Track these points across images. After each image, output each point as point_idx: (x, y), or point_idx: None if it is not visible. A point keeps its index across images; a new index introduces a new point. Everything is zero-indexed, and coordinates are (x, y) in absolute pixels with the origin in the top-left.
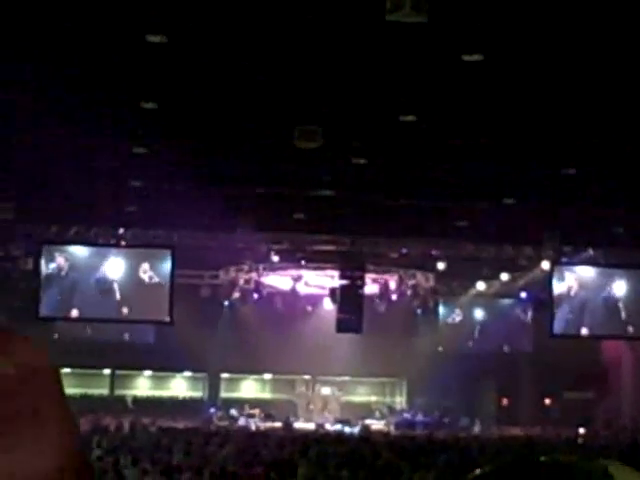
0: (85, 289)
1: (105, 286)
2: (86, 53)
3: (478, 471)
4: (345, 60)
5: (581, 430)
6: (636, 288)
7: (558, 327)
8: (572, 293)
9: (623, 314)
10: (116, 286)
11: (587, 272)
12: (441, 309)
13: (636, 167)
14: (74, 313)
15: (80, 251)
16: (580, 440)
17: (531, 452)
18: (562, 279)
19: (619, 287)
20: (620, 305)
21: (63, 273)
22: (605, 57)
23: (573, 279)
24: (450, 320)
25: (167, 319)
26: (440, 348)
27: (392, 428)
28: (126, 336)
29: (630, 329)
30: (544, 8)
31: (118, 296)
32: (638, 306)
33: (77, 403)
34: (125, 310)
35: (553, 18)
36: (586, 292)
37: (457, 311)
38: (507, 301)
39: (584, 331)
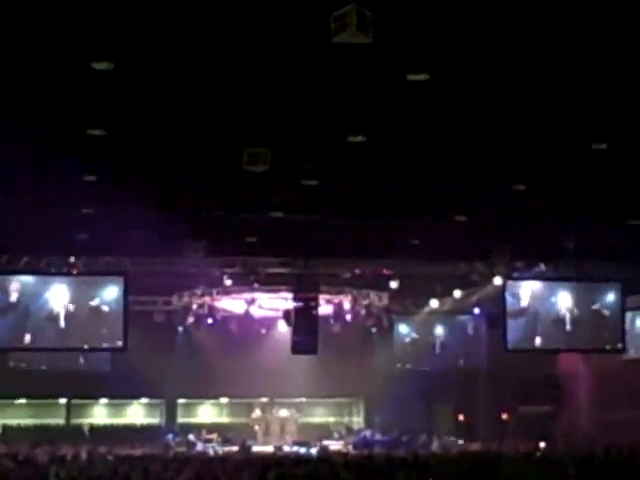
0: (36, 318)
1: (56, 315)
2: (30, 80)
3: None
4: (292, 82)
5: (541, 444)
6: (585, 301)
7: (512, 342)
8: (524, 307)
9: (573, 327)
10: (68, 315)
11: (538, 286)
12: (396, 328)
13: (584, 182)
14: (27, 340)
15: (32, 280)
16: (538, 453)
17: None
18: (514, 294)
19: (569, 300)
20: (570, 318)
21: (17, 302)
22: (550, 73)
23: (525, 294)
24: (405, 338)
25: (121, 346)
26: (397, 366)
27: (350, 448)
28: (82, 364)
29: (581, 342)
30: (489, 26)
31: (70, 324)
32: (588, 318)
33: (34, 433)
34: (78, 338)
35: (499, 36)
36: (538, 306)
37: (412, 329)
38: (461, 318)
39: (537, 345)
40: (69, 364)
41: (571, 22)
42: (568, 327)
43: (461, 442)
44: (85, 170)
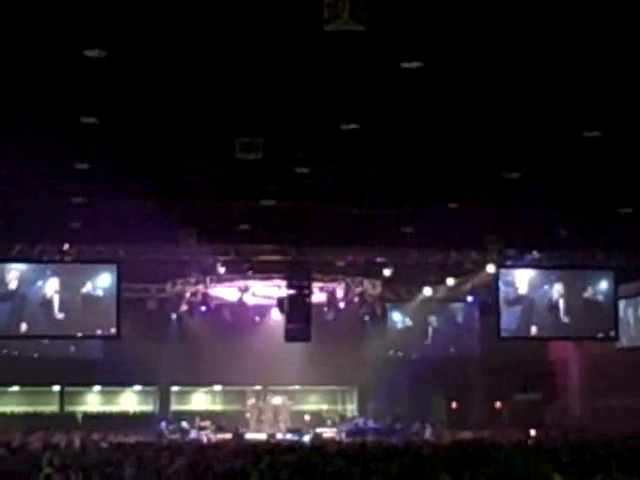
0: (31, 306)
1: (50, 303)
2: (23, 68)
3: None
4: (284, 70)
5: (531, 432)
6: (578, 289)
7: (505, 330)
8: (517, 295)
9: (566, 315)
10: (62, 302)
11: (531, 274)
12: (389, 316)
13: (577, 170)
14: (24, 330)
15: (25, 268)
16: (530, 442)
17: (483, 455)
18: (507, 282)
19: (562, 288)
20: (563, 306)
21: (11, 290)
22: (543, 61)
23: (518, 282)
24: (399, 326)
25: (114, 333)
26: (390, 354)
27: (343, 436)
28: (72, 351)
29: (573, 330)
30: (482, 14)
31: (64, 312)
32: (581, 307)
33: (27, 421)
34: (70, 326)
35: (492, 24)
36: (531, 294)
37: (405, 317)
38: (455, 305)
39: (530, 333)
40: (61, 351)
41: (563, 10)
42: (561, 315)
43: (453, 430)
44: (78, 158)
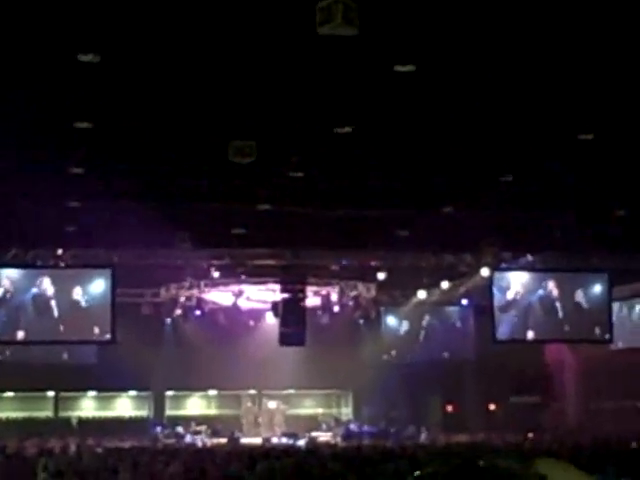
0: (26, 312)
1: (44, 308)
2: (18, 74)
3: (417, 473)
4: (278, 74)
5: (527, 434)
6: (572, 292)
7: (500, 332)
8: (512, 298)
9: (560, 317)
10: (55, 307)
11: (526, 277)
12: (384, 319)
13: (571, 173)
14: (20, 336)
15: (19, 273)
16: (526, 445)
17: (475, 457)
18: (502, 285)
19: (556, 291)
20: (558, 308)
21: (6, 296)
22: (537, 64)
23: (512, 285)
24: (393, 330)
25: (109, 338)
26: (385, 357)
27: (339, 440)
28: (65, 357)
29: (569, 332)
30: (475, 18)
31: (57, 317)
32: (575, 309)
33: (22, 426)
34: (66, 331)
35: (485, 27)
36: (525, 297)
37: (400, 320)
38: (449, 309)
39: (526, 336)
40: (56, 357)
41: (557, 14)
42: (555, 317)
43: (449, 434)
44: (72, 163)
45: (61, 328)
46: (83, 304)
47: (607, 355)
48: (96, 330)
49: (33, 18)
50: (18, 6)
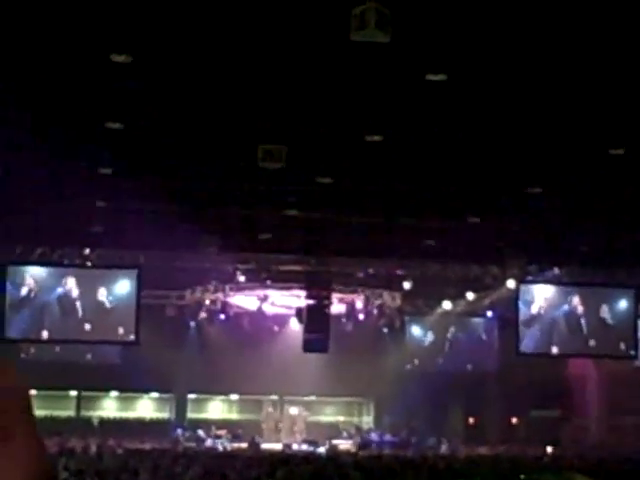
0: (51, 310)
1: (70, 307)
2: (50, 73)
3: None
4: (309, 79)
5: (548, 448)
6: (598, 306)
7: (524, 345)
8: (537, 311)
9: (585, 332)
10: (81, 307)
11: (551, 291)
12: (408, 329)
13: (600, 187)
14: (44, 335)
15: (46, 272)
16: (546, 459)
17: (499, 471)
18: (527, 298)
19: (581, 305)
20: (583, 323)
21: (31, 294)
22: (570, 75)
23: (538, 298)
24: (417, 339)
25: (133, 339)
26: (408, 367)
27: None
28: (89, 357)
29: (594, 347)
30: (507, 29)
31: (83, 317)
32: (600, 324)
33: (43, 425)
34: (91, 331)
35: (516, 38)
36: (551, 310)
37: (424, 330)
38: (474, 320)
39: (550, 350)
40: (79, 356)
41: (590, 26)
42: (580, 332)
43: (469, 446)
44: (101, 163)
45: (86, 328)
46: (108, 304)
47: (630, 371)
48: (120, 331)
49: (67, 19)
50: (53, 7)
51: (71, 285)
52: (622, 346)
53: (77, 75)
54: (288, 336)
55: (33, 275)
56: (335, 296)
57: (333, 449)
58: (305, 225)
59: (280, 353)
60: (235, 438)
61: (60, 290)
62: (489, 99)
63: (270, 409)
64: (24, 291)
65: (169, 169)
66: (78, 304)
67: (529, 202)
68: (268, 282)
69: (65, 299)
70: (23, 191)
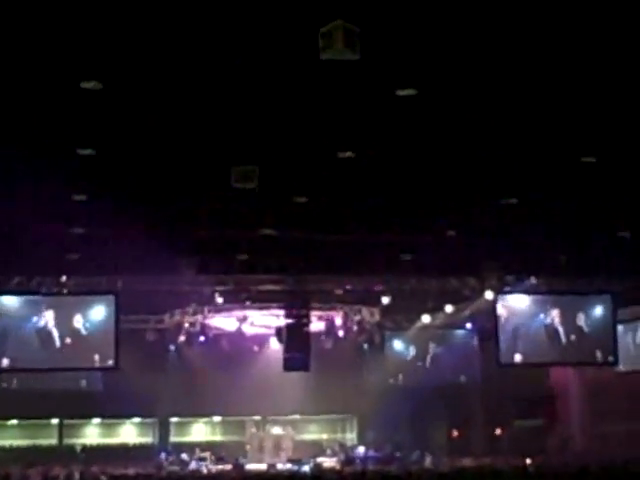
0: (28, 339)
1: (48, 335)
2: (20, 100)
3: None
4: (280, 99)
5: (532, 459)
6: (576, 314)
7: (505, 356)
8: (516, 322)
9: (564, 340)
10: (60, 334)
11: (529, 300)
12: (388, 343)
13: (574, 195)
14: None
15: (20, 301)
16: (531, 468)
17: None
18: (506, 308)
19: (560, 313)
20: (561, 331)
21: (6, 323)
22: (538, 87)
23: (516, 308)
24: (398, 354)
25: (112, 365)
26: (389, 382)
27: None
28: (74, 384)
29: (572, 355)
30: (476, 42)
31: (62, 344)
32: (579, 331)
33: (26, 454)
34: (70, 358)
35: (486, 51)
36: (530, 320)
37: (404, 345)
38: (454, 332)
39: (529, 359)
40: (61, 384)
41: (558, 38)
42: (560, 340)
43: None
44: (75, 189)
45: (64, 355)
46: (86, 331)
47: (612, 377)
48: (96, 357)
49: (36, 46)
50: (21, 34)
51: (48, 313)
52: (600, 353)
53: (48, 102)
54: (268, 356)
55: (7, 304)
56: (314, 314)
57: (317, 467)
58: (281, 244)
59: (261, 373)
60: (219, 460)
61: (39, 318)
62: (460, 112)
63: (253, 429)
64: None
65: (143, 193)
66: (57, 331)
67: (504, 213)
68: (247, 303)
69: (44, 327)
70: None
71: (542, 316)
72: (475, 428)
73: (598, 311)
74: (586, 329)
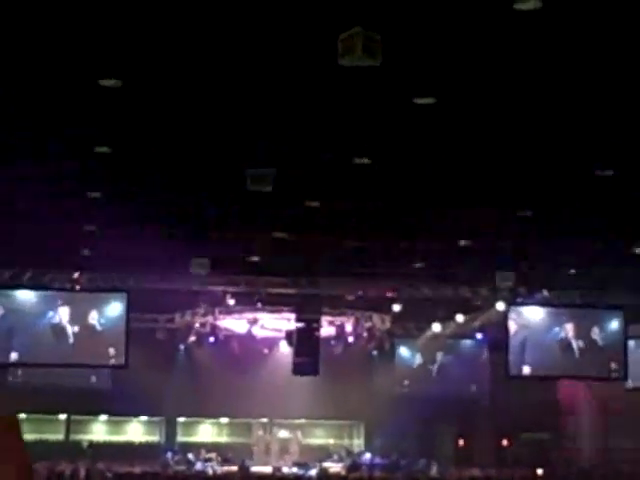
0: (38, 334)
1: (59, 331)
2: (37, 97)
3: None
4: (298, 103)
5: (538, 471)
6: (587, 328)
7: (514, 368)
8: (527, 334)
9: (574, 354)
10: (70, 331)
11: (541, 313)
12: (398, 351)
13: (589, 209)
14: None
15: (32, 296)
16: None
17: None
18: (517, 320)
19: (571, 327)
20: (572, 345)
21: (19, 318)
22: (557, 99)
23: (528, 320)
24: (407, 362)
25: (122, 363)
26: (397, 389)
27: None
28: (84, 381)
29: (581, 369)
30: (498, 51)
31: (73, 341)
32: (589, 346)
33: (32, 449)
34: (80, 355)
35: (506, 61)
36: (540, 332)
37: (414, 353)
38: (464, 342)
39: (540, 372)
40: (69, 380)
41: (577, 49)
42: (570, 354)
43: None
44: (90, 187)
45: (75, 351)
46: (96, 328)
47: (621, 393)
48: (112, 352)
49: (55, 43)
50: (40, 31)
51: (61, 309)
52: (612, 368)
53: (65, 100)
54: (278, 359)
55: (23, 298)
56: (325, 319)
57: (323, 472)
58: (295, 248)
59: (270, 376)
60: (225, 461)
61: (50, 314)
62: (477, 122)
63: (260, 432)
64: (13, 315)
65: (158, 192)
66: (67, 328)
67: (519, 225)
68: (258, 305)
69: (55, 323)
70: (12, 216)
71: (553, 329)
72: (481, 439)
73: (610, 326)
74: (597, 344)
